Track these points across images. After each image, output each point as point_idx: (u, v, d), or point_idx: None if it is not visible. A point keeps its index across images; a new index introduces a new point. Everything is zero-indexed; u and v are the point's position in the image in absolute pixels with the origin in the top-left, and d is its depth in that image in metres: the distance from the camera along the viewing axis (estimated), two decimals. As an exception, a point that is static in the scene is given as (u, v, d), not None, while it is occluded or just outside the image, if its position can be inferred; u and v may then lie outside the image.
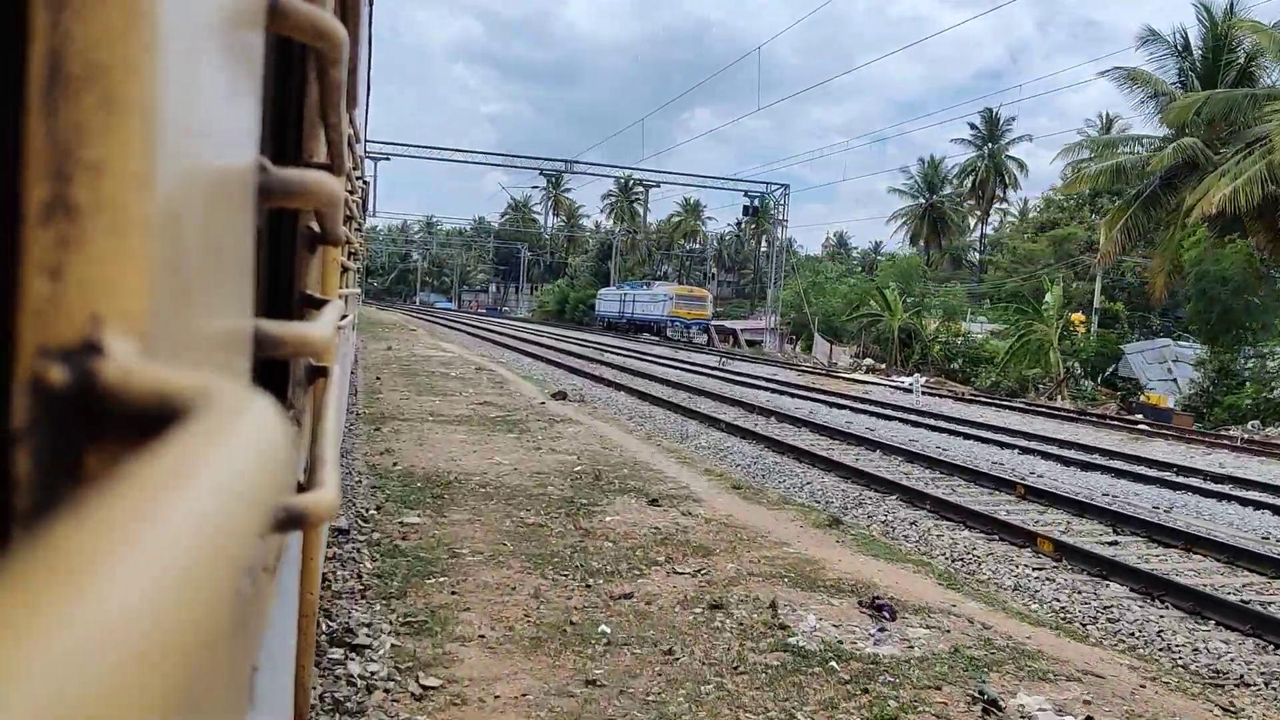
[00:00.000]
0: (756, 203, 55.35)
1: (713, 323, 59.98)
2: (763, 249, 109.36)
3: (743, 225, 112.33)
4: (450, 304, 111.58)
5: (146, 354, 0.39)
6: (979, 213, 75.41)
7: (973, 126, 71.98)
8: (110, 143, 0.38)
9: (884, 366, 37.78)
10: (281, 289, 1.50)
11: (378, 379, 18.61)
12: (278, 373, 1.35)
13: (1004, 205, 75.03)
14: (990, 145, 70.96)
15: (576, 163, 53.81)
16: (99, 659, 0.23)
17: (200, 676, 0.27)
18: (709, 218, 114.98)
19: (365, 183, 7.55)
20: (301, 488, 0.95)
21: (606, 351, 36.53)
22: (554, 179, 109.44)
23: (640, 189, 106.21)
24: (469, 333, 46.65)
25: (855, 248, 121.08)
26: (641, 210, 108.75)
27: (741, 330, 58.46)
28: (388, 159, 47.64)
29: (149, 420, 0.37)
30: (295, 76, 1.51)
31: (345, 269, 3.68)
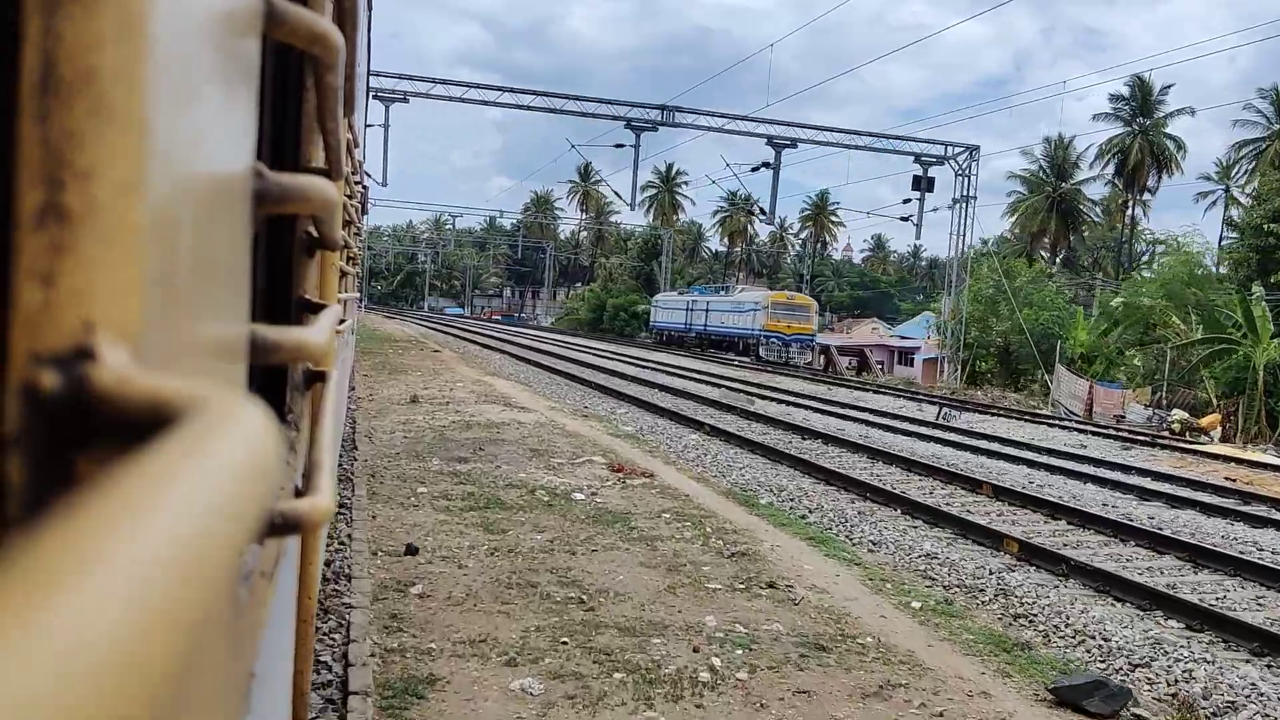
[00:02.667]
0: (929, 171, 38.79)
1: (832, 343, 47.89)
2: (785, 249, 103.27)
3: (780, 225, 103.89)
4: (461, 310, 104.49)
5: (139, 360, 0.39)
6: (1121, 202, 60.90)
7: (1117, 98, 57.79)
8: (103, 149, 0.38)
9: (1205, 421, 23.58)
10: (279, 294, 1.50)
11: (406, 576, 6.34)
12: (276, 378, 1.35)
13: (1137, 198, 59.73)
14: (1142, 120, 57.09)
15: (678, 109, 36.13)
16: (83, 666, 0.22)
17: (191, 682, 0.27)
18: (759, 209, 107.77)
19: (364, 187, 7.56)
20: (299, 492, 0.95)
21: (754, 394, 24.66)
22: (584, 171, 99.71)
23: (683, 180, 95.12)
24: (514, 355, 34.25)
25: (893, 250, 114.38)
26: (686, 203, 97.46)
27: (838, 348, 46.89)
28: (405, 100, 34.02)
29: (141, 427, 0.37)
30: (293, 82, 1.51)
31: (344, 273, 3.68)
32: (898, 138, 38.99)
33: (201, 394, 0.38)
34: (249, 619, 0.77)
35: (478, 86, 36.02)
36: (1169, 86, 58.53)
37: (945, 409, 23.84)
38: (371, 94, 29.10)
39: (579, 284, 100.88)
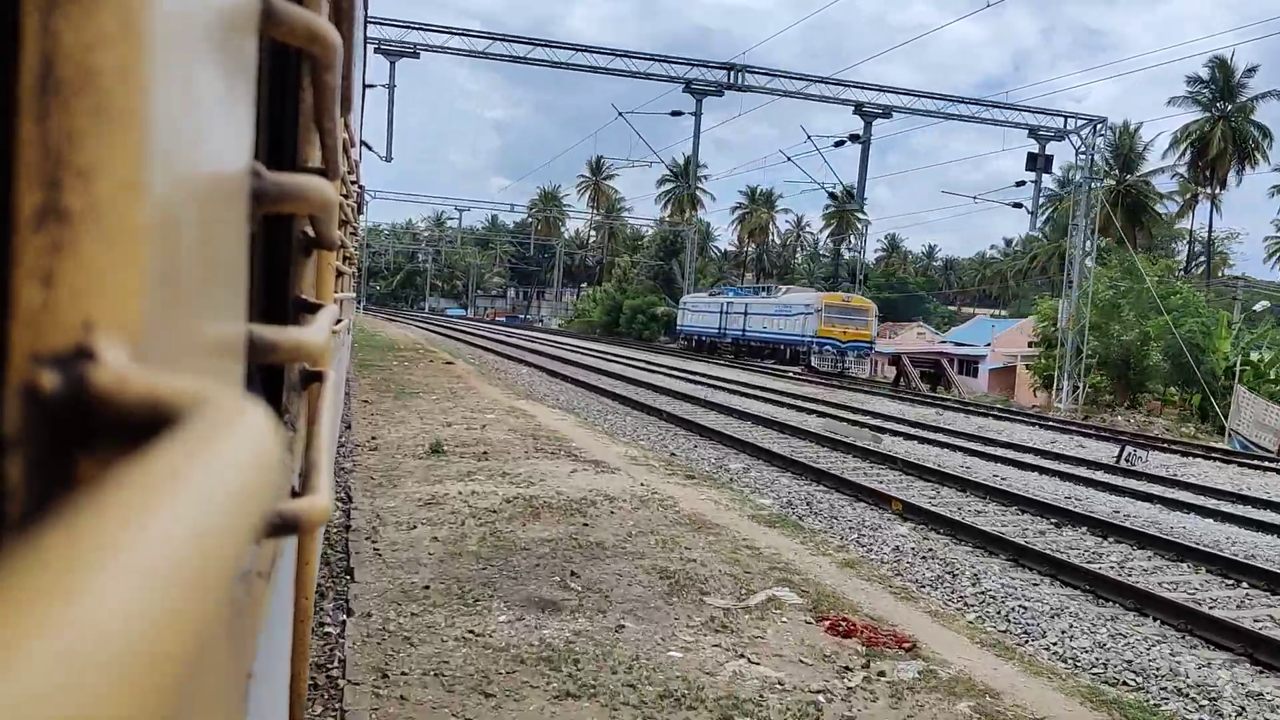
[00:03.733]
0: (1047, 149, 31.36)
1: (901, 351, 41.34)
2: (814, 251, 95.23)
3: (796, 223, 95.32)
4: (463, 311, 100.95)
5: (139, 360, 0.39)
6: (1193, 195, 55.01)
7: (1195, 80, 51.79)
8: (102, 148, 0.38)
9: None
10: (276, 294, 1.50)
11: None
12: (272, 378, 1.35)
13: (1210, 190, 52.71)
14: (1224, 104, 51.49)
15: (747, 69, 29.27)
16: (87, 668, 0.22)
17: (193, 683, 0.27)
18: (783, 208, 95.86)
19: (360, 187, 7.55)
20: (295, 493, 0.94)
21: (859, 422, 20.03)
22: (595, 164, 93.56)
23: (703, 173, 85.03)
24: (539, 367, 29.75)
25: (908, 251, 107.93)
26: (705, 199, 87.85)
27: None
28: (414, 54, 27.82)
29: (142, 427, 0.37)
30: (289, 81, 1.51)
31: (340, 273, 3.68)
32: (1009, 106, 31.74)
33: (203, 394, 0.38)
34: (248, 619, 0.77)
35: (505, 39, 29.48)
36: (1254, 68, 52.84)
37: (1129, 449, 18.07)
38: (374, 47, 25.42)
39: (584, 284, 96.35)
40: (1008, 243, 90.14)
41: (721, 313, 49.69)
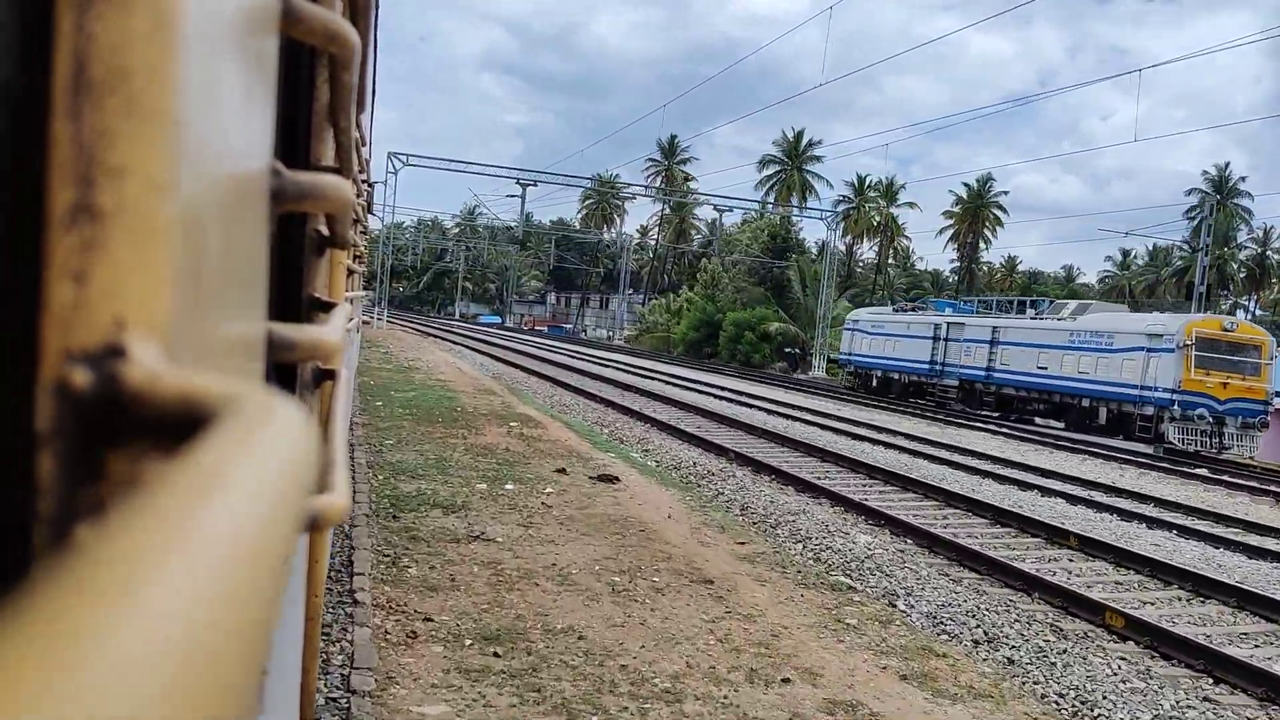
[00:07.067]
0: None
1: None
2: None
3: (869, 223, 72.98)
4: (497, 318, 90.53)
5: (169, 358, 0.40)
6: None
7: None
8: (133, 147, 0.38)
9: None
10: (291, 292, 1.50)
11: None
12: (287, 375, 1.36)
13: None
14: None
15: None
16: (148, 669, 0.22)
17: (241, 683, 0.27)
18: (906, 202, 75.15)
19: (370, 186, 7.58)
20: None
21: None
22: (668, 145, 77.66)
23: (818, 152, 70.09)
24: (766, 463, 14.25)
25: (988, 263, 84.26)
26: (819, 183, 71.14)
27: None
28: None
29: (174, 424, 0.37)
30: (304, 79, 1.51)
31: (351, 272, 3.69)
32: None
33: (235, 391, 0.38)
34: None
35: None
36: None
37: None
38: None
39: (629, 291, 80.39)
40: (1124, 254, 78.37)
41: (936, 339, 33.01)
